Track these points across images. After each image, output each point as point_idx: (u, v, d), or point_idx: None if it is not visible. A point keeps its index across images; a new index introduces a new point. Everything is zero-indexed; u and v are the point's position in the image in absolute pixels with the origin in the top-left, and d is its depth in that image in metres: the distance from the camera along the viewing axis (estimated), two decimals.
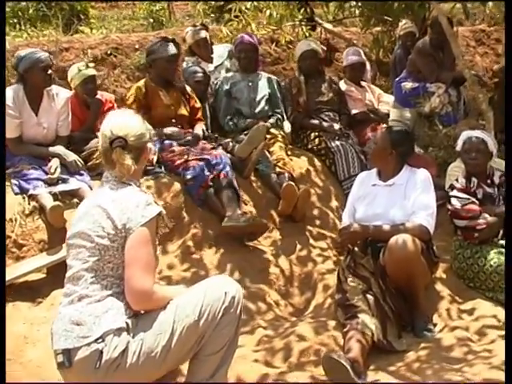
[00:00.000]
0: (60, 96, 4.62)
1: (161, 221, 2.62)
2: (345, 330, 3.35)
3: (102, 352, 2.36)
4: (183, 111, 4.91)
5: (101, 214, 2.48)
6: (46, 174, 4.30)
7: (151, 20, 10.28)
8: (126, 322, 2.43)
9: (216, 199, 4.36)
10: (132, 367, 2.40)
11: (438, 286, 3.94)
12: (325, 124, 5.40)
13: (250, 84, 5.43)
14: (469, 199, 3.96)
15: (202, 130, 4.89)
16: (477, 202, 3.95)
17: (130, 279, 2.43)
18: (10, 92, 4.44)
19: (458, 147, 4.21)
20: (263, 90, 5.46)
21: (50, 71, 4.47)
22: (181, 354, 2.52)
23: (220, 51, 6.12)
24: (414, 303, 3.57)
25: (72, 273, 2.52)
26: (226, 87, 5.41)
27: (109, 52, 8.18)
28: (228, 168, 4.46)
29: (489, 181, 4.06)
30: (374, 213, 3.78)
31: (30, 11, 10.06)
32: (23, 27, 9.35)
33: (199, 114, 5.06)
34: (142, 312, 2.52)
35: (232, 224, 4.15)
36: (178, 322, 2.48)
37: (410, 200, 3.74)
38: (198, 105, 5.06)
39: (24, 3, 10.21)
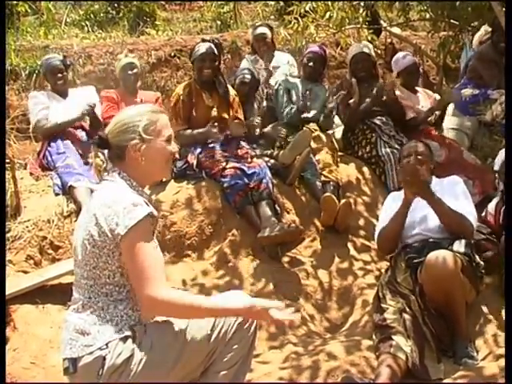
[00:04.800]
0: (86, 92, 5.03)
1: (154, 223, 2.43)
2: (377, 353, 3.15)
3: (105, 359, 2.26)
4: (225, 114, 4.74)
5: (90, 220, 2.35)
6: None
7: (219, 22, 10.31)
8: (133, 329, 2.33)
9: (254, 210, 4.24)
10: (136, 377, 2.29)
11: (486, 307, 3.59)
12: (377, 122, 5.14)
13: (308, 92, 5.27)
14: None
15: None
16: None
17: (137, 292, 2.30)
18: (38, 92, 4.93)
19: (496, 166, 3.90)
20: (319, 100, 5.28)
21: (59, 75, 4.83)
22: (189, 368, 2.40)
23: (280, 57, 6.10)
24: (454, 325, 3.30)
25: (75, 280, 2.45)
26: (288, 86, 5.30)
27: (173, 54, 8.24)
28: (268, 178, 4.34)
29: None
30: (411, 222, 3.60)
31: (101, 14, 10.26)
32: (91, 30, 9.51)
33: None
34: (151, 320, 2.40)
35: (266, 234, 4.01)
36: (190, 334, 2.36)
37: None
38: (240, 110, 4.88)
39: (97, 6, 10.42)
